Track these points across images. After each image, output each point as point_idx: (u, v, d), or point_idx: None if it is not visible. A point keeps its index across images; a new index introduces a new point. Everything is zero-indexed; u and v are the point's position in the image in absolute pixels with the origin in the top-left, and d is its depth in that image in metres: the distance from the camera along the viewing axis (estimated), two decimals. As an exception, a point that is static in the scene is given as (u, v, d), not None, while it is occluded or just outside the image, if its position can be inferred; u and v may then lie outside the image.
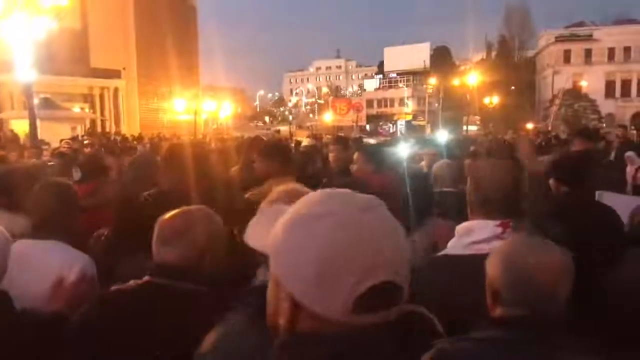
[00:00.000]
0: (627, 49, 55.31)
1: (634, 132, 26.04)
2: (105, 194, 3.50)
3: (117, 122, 33.89)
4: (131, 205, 2.76)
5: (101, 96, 33.34)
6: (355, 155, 4.56)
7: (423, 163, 5.77)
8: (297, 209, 0.84)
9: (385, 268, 0.77)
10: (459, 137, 12.56)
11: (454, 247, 1.88)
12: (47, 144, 12.44)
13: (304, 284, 0.78)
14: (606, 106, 52.51)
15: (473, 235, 1.82)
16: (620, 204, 3.16)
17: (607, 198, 3.34)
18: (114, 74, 33.58)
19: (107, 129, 31.08)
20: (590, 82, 53.14)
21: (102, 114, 32.92)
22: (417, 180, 4.06)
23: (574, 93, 50.60)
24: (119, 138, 20.61)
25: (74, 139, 12.79)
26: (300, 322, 0.81)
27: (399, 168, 4.88)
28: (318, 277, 0.76)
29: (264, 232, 0.89)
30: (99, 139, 12.83)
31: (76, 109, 30.35)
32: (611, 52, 55.76)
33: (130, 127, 33.68)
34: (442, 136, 11.34)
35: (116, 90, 34.00)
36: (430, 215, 2.97)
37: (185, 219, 1.79)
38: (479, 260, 1.53)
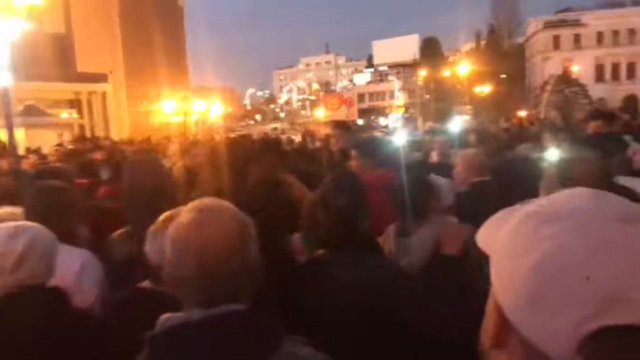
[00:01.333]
0: (615, 33, 55.39)
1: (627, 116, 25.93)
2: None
3: (106, 127, 33.49)
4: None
5: (88, 101, 32.92)
6: (352, 152, 4.39)
7: (434, 153, 5.54)
8: (536, 204, 0.65)
9: (637, 306, 0.55)
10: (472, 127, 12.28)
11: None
12: (35, 151, 12.17)
13: (516, 299, 0.61)
14: (597, 90, 52.52)
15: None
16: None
17: (625, 182, 3.12)
18: (101, 78, 33.16)
19: (96, 134, 30.67)
20: (581, 67, 53.19)
21: (90, 119, 32.53)
22: (416, 171, 3.80)
23: (565, 78, 50.57)
24: (107, 143, 20.27)
25: (59, 145, 12.46)
26: (509, 345, 0.63)
27: (397, 160, 4.71)
28: (534, 295, 0.59)
29: (494, 229, 0.70)
30: (84, 144, 12.51)
31: (63, 114, 29.95)
32: (600, 36, 55.83)
33: (119, 132, 33.29)
34: (455, 125, 11.14)
35: (104, 94, 33.59)
36: (432, 211, 2.68)
37: (165, 219, 1.73)
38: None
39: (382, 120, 58.38)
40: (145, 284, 1.82)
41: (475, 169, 3.69)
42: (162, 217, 1.78)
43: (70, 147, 12.01)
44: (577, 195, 0.64)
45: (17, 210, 2.56)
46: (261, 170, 3.69)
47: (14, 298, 1.73)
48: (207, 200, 1.34)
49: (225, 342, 1.18)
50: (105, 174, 5.12)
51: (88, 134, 29.34)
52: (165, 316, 1.24)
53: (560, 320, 0.56)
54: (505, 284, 0.62)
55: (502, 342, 0.64)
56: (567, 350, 0.56)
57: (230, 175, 3.74)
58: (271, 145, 4.47)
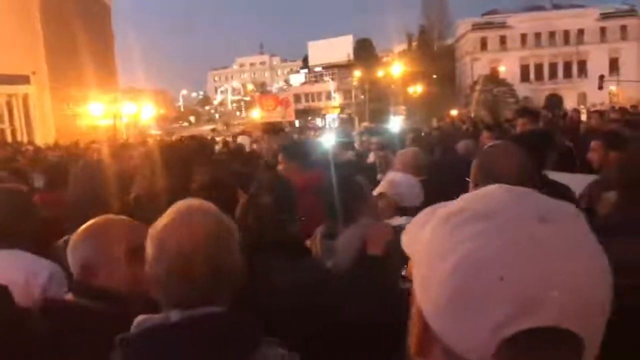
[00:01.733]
0: (537, 35, 58.23)
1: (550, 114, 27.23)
2: (62, 204, 3.41)
3: (29, 131, 31.68)
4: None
5: (8, 103, 31.01)
6: (279, 155, 4.40)
7: (371, 154, 5.49)
8: (454, 204, 0.62)
9: (555, 308, 0.53)
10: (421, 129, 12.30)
11: None
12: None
13: (435, 305, 0.58)
14: (522, 90, 55.02)
15: None
16: (569, 182, 3.04)
17: (555, 177, 3.16)
18: (22, 80, 31.31)
19: (19, 139, 29.00)
20: (507, 68, 55.55)
21: (10, 123, 30.67)
22: (344, 172, 3.71)
23: (493, 79, 52.67)
24: (31, 148, 19.20)
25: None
26: (431, 353, 0.60)
27: (326, 161, 4.68)
28: (453, 299, 0.56)
29: (417, 230, 0.68)
30: (4, 149, 11.70)
31: (-19, 119, 28.13)
32: (524, 38, 58.50)
33: (44, 136, 31.58)
34: (393, 126, 11.26)
35: (25, 96, 31.74)
36: (360, 212, 2.62)
37: (81, 230, 1.70)
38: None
39: (318, 121, 58.66)
40: (69, 296, 1.69)
41: (414, 168, 3.71)
42: (83, 226, 1.73)
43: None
44: (496, 194, 0.61)
45: None
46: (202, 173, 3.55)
47: None
48: (192, 202, 1.35)
49: (204, 344, 1.18)
50: (38, 182, 4.82)
51: (9, 139, 27.70)
52: (140, 318, 1.22)
53: (479, 326, 0.54)
54: (425, 289, 0.59)
55: (426, 351, 0.61)
56: (486, 354, 0.54)
57: (169, 178, 3.56)
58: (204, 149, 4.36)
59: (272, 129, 5.86)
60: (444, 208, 0.62)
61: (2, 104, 30.74)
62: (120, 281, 1.62)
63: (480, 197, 0.62)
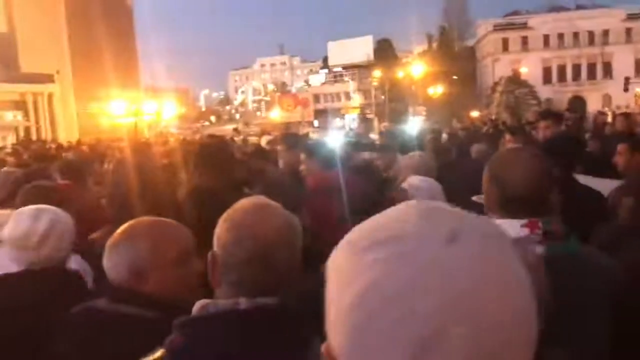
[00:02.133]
0: (560, 35, 57.38)
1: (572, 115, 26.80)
2: (84, 200, 3.51)
3: (53, 129, 32.22)
4: None
5: (34, 102, 31.56)
6: (301, 155, 4.31)
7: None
8: (359, 228, 0.55)
9: (461, 348, 0.46)
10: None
11: None
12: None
13: (339, 343, 0.51)
14: (544, 92, 54.28)
15: None
16: (599, 187, 2.99)
17: (585, 181, 3.12)
18: (47, 79, 31.87)
19: (44, 137, 29.49)
20: (529, 69, 54.81)
21: (36, 120, 31.21)
22: (367, 174, 3.63)
23: (514, 80, 52.04)
24: (54, 145, 19.54)
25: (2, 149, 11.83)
26: None
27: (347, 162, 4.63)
28: (352, 337, 0.49)
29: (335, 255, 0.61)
30: (26, 147, 11.89)
31: (9, 116, 28.65)
32: (546, 39, 57.70)
33: (68, 133, 32.11)
34: (413, 127, 11.04)
35: (50, 95, 32.29)
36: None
37: (126, 231, 1.61)
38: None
39: (337, 121, 58.57)
40: (101, 302, 1.60)
41: (421, 172, 3.63)
42: (120, 228, 1.64)
43: (8, 150, 11.42)
44: (404, 215, 0.54)
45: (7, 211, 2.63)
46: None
47: (34, 274, 1.96)
48: (258, 197, 1.41)
49: (272, 333, 1.18)
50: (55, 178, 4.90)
51: (34, 137, 28.19)
52: (203, 302, 1.21)
53: None
54: (330, 323, 0.52)
55: None
56: None
57: (213, 176, 3.54)
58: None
59: (291, 140, 5.66)
60: (351, 232, 0.55)
61: (28, 102, 31.27)
62: (170, 287, 1.55)
63: (387, 219, 0.54)
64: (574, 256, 1.58)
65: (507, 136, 5.47)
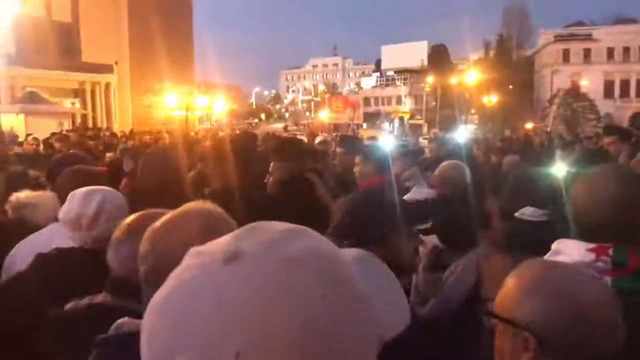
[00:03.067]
0: (626, 49, 55.04)
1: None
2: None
3: (109, 118, 33.19)
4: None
5: (92, 91, 32.57)
6: (356, 158, 4.23)
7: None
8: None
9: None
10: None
11: None
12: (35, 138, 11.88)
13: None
14: (605, 106, 52.14)
15: (559, 257, 1.38)
16: None
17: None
18: (106, 69, 32.84)
19: (99, 125, 30.44)
20: (589, 82, 52.81)
21: (93, 109, 32.23)
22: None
23: (573, 93, 50.24)
24: (107, 134, 20.04)
25: (54, 134, 12.15)
26: None
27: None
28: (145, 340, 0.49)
29: None
30: (80, 134, 12.21)
31: (67, 104, 29.69)
32: (610, 51, 55.47)
33: (122, 123, 33.02)
34: (460, 135, 10.68)
35: (108, 85, 33.26)
36: (480, 240, 2.18)
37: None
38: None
39: (386, 125, 58.15)
40: (102, 297, 1.56)
41: (451, 181, 3.55)
42: (126, 221, 1.60)
43: (68, 134, 11.75)
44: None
45: (36, 193, 2.82)
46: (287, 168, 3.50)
47: (83, 253, 2.01)
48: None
49: None
50: (127, 166, 5.01)
51: (90, 124, 29.12)
52: (121, 321, 1.15)
53: None
54: None
55: None
56: None
57: (244, 173, 3.51)
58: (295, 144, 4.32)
59: (348, 139, 5.57)
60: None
61: (87, 91, 32.34)
62: None
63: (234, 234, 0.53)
64: None
65: (606, 139, 5.03)
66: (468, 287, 1.95)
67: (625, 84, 55.58)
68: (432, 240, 2.32)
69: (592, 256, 1.35)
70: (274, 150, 3.65)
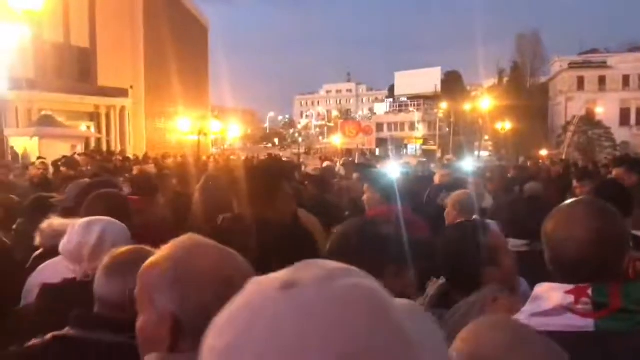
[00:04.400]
0: (642, 77, 54.70)
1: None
2: (154, 214, 3.59)
3: (123, 141, 33.46)
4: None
5: (107, 115, 32.90)
6: (365, 186, 4.27)
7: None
8: None
9: None
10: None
11: (517, 316, 1.41)
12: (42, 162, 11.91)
13: None
14: (621, 134, 51.62)
15: (537, 304, 1.37)
16: None
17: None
18: (121, 93, 33.22)
19: (113, 148, 30.67)
20: (605, 109, 52.44)
21: (107, 132, 32.52)
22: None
23: (588, 120, 49.86)
24: (120, 158, 20.11)
25: (64, 158, 12.18)
26: None
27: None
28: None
29: None
30: (92, 158, 12.23)
31: (82, 127, 30.00)
32: (626, 79, 55.17)
33: (136, 147, 33.27)
34: (469, 163, 10.60)
35: (122, 109, 33.58)
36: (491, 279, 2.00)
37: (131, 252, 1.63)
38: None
39: (400, 151, 58.02)
40: (65, 331, 1.52)
41: (465, 209, 3.66)
42: (122, 250, 1.67)
43: (78, 158, 11.77)
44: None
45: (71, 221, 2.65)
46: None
47: (84, 285, 1.89)
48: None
49: None
50: (125, 190, 4.87)
51: (104, 148, 29.36)
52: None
53: None
54: None
55: None
56: None
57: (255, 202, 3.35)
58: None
59: (362, 165, 5.54)
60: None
61: (102, 115, 32.69)
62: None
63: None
64: (633, 334, 1.25)
65: (575, 182, 4.98)
66: None
67: (641, 111, 55.13)
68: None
69: (571, 299, 1.31)
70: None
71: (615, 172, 4.76)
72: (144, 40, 35.74)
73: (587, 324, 1.27)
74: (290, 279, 0.50)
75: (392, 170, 6.74)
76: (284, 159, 23.76)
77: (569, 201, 1.51)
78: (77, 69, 31.28)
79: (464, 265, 2.01)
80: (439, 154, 45.67)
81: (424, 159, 24.64)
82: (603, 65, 55.97)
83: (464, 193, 4.03)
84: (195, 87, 44.42)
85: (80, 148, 20.28)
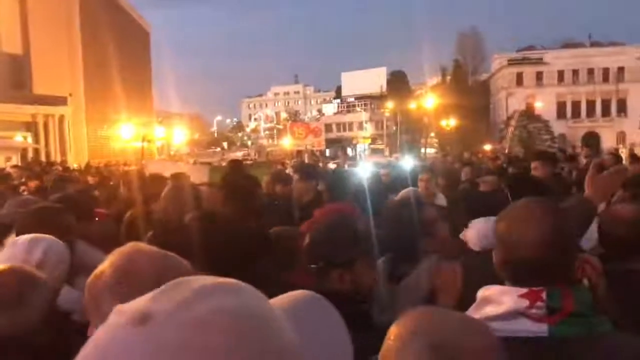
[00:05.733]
0: (575, 72, 57.22)
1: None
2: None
3: (63, 151, 32.21)
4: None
5: (45, 124, 31.62)
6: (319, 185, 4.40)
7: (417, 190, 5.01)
8: None
9: None
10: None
11: None
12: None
13: None
14: (558, 127, 53.85)
15: (488, 307, 1.31)
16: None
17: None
18: (59, 101, 31.99)
19: (53, 159, 29.50)
20: (543, 104, 54.56)
21: (46, 142, 31.24)
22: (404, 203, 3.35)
23: (528, 115, 51.75)
24: (60, 168, 19.36)
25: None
26: None
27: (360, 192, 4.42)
28: None
29: None
30: (22, 170, 11.64)
31: (18, 137, 28.70)
32: (560, 74, 57.56)
33: (77, 156, 32.13)
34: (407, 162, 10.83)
35: (61, 117, 32.35)
36: (425, 249, 2.28)
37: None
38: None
39: (349, 151, 58.47)
40: None
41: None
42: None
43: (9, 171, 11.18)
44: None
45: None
46: None
47: None
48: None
49: None
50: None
51: (43, 159, 28.18)
52: None
53: None
54: None
55: None
56: None
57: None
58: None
59: (306, 170, 5.33)
60: None
61: (40, 124, 31.39)
62: None
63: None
64: (592, 339, 1.23)
65: (534, 163, 5.12)
66: (422, 298, 1.95)
67: (576, 105, 57.64)
68: None
69: (525, 303, 1.26)
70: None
71: (533, 165, 4.99)
72: (82, 46, 34.58)
73: (541, 329, 1.24)
74: (143, 312, 0.46)
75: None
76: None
77: (520, 201, 1.47)
78: (9, 76, 29.91)
79: (404, 237, 2.23)
80: (386, 153, 46.27)
81: (394, 158, 24.82)
82: (540, 61, 58.18)
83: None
84: (138, 93, 43.35)
85: (15, 159, 19.38)
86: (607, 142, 49.15)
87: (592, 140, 49.80)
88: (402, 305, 1.99)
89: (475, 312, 1.33)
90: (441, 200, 5.12)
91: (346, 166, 15.42)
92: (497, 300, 1.29)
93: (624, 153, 15.89)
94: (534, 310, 1.24)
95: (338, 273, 1.76)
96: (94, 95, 35.95)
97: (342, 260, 1.76)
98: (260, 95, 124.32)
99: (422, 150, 42.75)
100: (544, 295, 1.25)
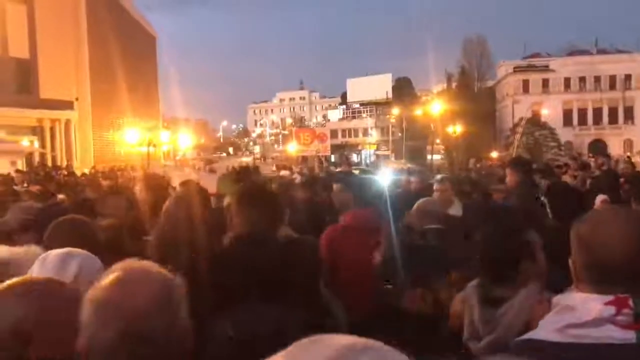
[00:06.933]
0: (581, 79, 57.03)
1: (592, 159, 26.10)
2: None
3: (69, 155, 32.29)
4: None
5: (52, 128, 31.72)
6: (334, 186, 4.33)
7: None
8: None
9: None
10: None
11: (543, 326, 1.34)
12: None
13: None
14: (564, 134, 53.61)
15: (572, 315, 1.29)
16: None
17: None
18: (66, 105, 32.10)
19: (59, 163, 29.58)
20: (549, 111, 54.38)
21: (52, 147, 31.32)
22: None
23: (534, 122, 51.55)
24: (65, 173, 19.40)
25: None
26: None
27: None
28: None
29: None
30: (28, 175, 11.63)
31: (24, 142, 28.78)
32: (567, 82, 57.38)
33: (83, 160, 32.22)
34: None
35: (68, 121, 32.45)
36: (526, 275, 2.15)
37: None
38: (578, 354, 1.19)
39: (354, 157, 58.45)
40: None
41: (429, 217, 3.68)
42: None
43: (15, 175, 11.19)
44: None
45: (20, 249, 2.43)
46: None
47: None
48: (132, 262, 1.24)
49: None
50: None
51: (49, 163, 28.25)
52: None
53: None
54: None
55: None
56: None
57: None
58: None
59: (346, 180, 5.12)
60: None
61: (46, 129, 31.49)
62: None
63: None
64: None
65: (507, 170, 5.12)
66: (519, 330, 1.84)
67: (582, 112, 57.41)
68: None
69: (612, 310, 1.25)
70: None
71: (508, 172, 4.93)
72: (88, 51, 34.71)
73: (628, 335, 1.23)
74: None
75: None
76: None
77: (603, 207, 1.50)
78: (16, 81, 30.04)
79: (504, 258, 2.12)
80: (392, 158, 46.18)
81: (411, 166, 24.17)
82: (546, 68, 58.05)
83: (427, 201, 4.01)
84: (144, 98, 43.48)
85: (20, 164, 19.41)
86: (614, 149, 48.85)
87: (598, 147, 49.54)
88: (500, 334, 1.98)
89: (556, 320, 1.32)
90: (457, 209, 5.01)
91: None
92: (582, 308, 1.29)
93: (635, 160, 15.83)
94: (620, 317, 1.24)
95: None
96: (101, 100, 36.07)
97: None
98: (266, 101, 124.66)
99: (429, 156, 42.59)
100: (630, 302, 1.25)
